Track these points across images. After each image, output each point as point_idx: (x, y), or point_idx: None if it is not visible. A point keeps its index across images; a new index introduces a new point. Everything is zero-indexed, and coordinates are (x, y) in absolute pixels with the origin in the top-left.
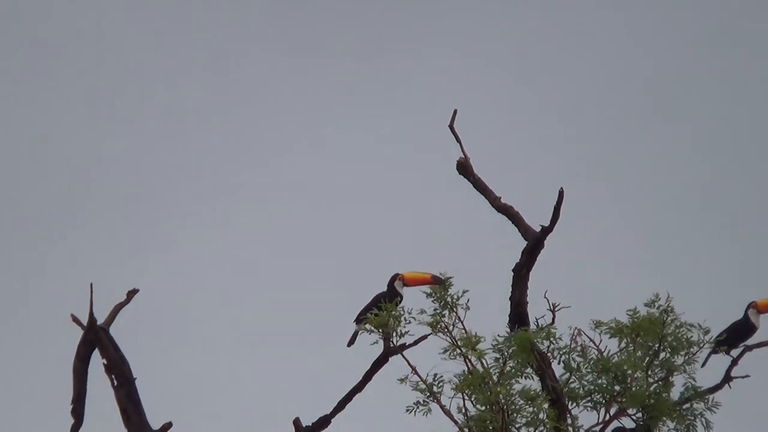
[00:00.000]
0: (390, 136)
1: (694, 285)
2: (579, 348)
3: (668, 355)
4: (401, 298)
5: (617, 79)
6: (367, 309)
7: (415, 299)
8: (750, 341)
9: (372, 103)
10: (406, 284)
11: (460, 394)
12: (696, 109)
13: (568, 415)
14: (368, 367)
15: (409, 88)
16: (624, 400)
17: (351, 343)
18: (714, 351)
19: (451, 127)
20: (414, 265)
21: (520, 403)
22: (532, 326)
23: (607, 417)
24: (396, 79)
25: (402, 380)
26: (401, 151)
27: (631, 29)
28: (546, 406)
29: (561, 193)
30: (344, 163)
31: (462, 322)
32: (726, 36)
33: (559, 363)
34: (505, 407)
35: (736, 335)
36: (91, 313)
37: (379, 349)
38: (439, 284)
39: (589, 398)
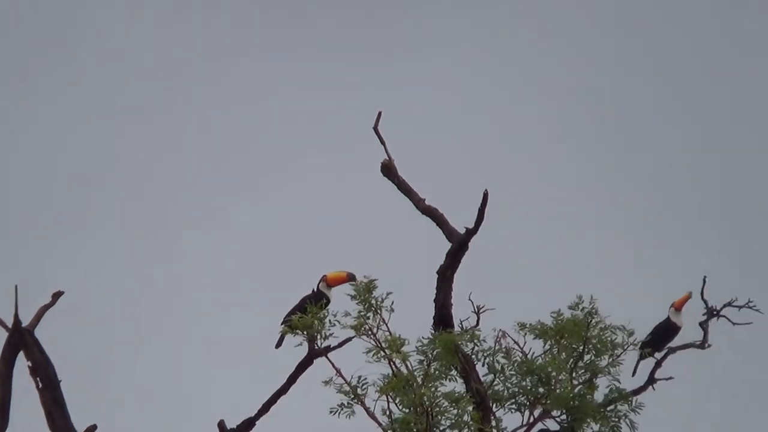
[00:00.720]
0: (314, 139)
1: (619, 287)
2: (503, 350)
3: (593, 357)
4: (328, 299)
5: (541, 79)
6: (294, 311)
7: (340, 302)
8: (675, 342)
9: (296, 105)
10: (329, 284)
11: (384, 397)
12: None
13: (493, 417)
14: (293, 370)
15: (335, 88)
16: (548, 401)
17: (278, 345)
18: (642, 357)
19: (375, 129)
20: (341, 267)
21: (444, 405)
22: (457, 328)
23: (532, 419)
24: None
25: (326, 382)
26: (327, 154)
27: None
28: (470, 408)
29: (485, 196)
30: (264, 166)
31: (386, 325)
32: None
33: (483, 365)
34: (429, 409)
35: (661, 336)
36: (16, 315)
37: (304, 351)
38: (352, 281)
39: (514, 400)
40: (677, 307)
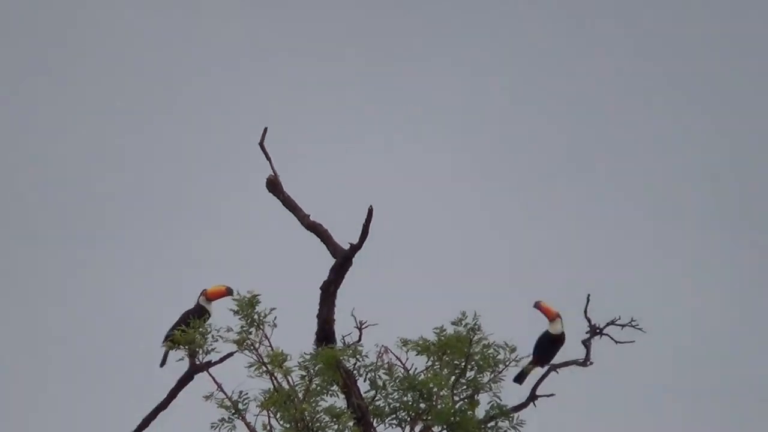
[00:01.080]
0: (205, 153)
1: (504, 302)
2: (385, 366)
3: (475, 373)
4: (209, 314)
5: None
6: (175, 326)
7: (223, 317)
8: (557, 359)
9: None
10: (209, 298)
11: (265, 412)
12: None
13: None
14: (173, 385)
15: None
16: (429, 417)
17: (163, 363)
18: (547, 373)
19: (261, 145)
20: (223, 281)
21: (325, 420)
22: (339, 344)
23: None
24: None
25: (207, 397)
26: (214, 168)
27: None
28: (351, 423)
29: (370, 212)
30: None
31: (269, 340)
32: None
33: (365, 380)
34: (310, 424)
35: (543, 348)
36: None
37: (185, 366)
38: (231, 295)
39: (395, 415)
40: (549, 318)
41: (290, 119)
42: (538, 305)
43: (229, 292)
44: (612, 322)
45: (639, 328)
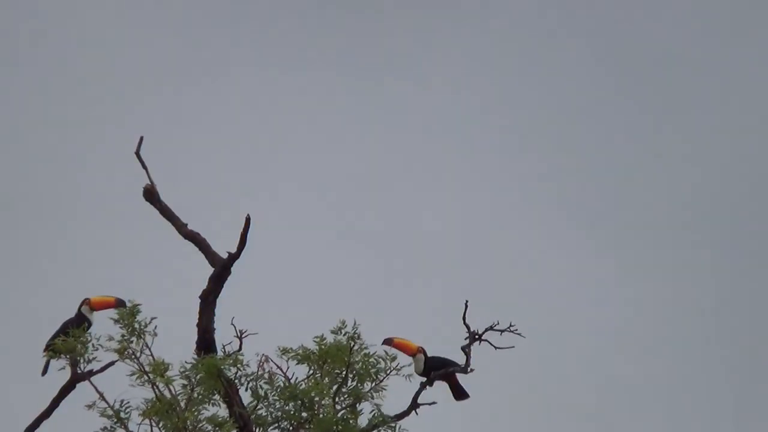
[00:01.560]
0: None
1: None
2: (267, 375)
3: (356, 382)
4: (90, 323)
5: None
6: (56, 335)
7: (104, 326)
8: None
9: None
10: (93, 308)
11: (147, 421)
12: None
13: None
14: (56, 393)
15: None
16: (311, 426)
17: (44, 372)
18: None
19: (137, 153)
20: (102, 292)
21: (208, 430)
22: (220, 353)
23: None
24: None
25: (90, 406)
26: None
27: None
28: None
29: (248, 220)
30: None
31: (150, 349)
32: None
33: (246, 390)
34: None
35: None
36: None
37: (68, 375)
38: (121, 307)
39: (277, 425)
40: (409, 354)
41: (167, 127)
42: (390, 342)
43: (119, 303)
44: (490, 328)
45: (518, 333)
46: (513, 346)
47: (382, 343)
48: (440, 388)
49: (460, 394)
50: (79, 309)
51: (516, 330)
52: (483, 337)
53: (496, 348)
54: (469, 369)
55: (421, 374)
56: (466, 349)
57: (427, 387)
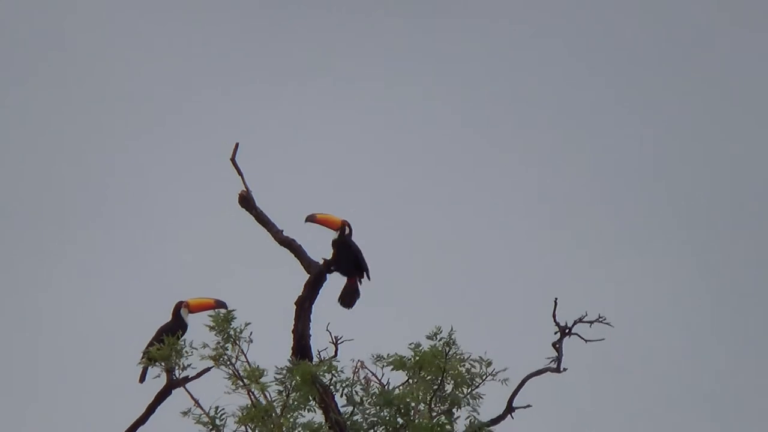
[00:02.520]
0: (173, 168)
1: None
2: (362, 381)
3: (452, 387)
4: (186, 326)
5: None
6: (152, 342)
7: (198, 332)
8: (532, 367)
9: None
10: (191, 311)
11: (243, 427)
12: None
13: None
14: (151, 400)
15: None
16: None
17: (142, 379)
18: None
19: (232, 160)
20: (198, 295)
21: None
22: (315, 359)
23: None
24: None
25: (185, 413)
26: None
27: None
28: None
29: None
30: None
31: (245, 355)
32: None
33: (341, 396)
34: None
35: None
36: None
37: (163, 381)
38: (223, 308)
39: (372, 431)
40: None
41: (262, 134)
42: (313, 218)
43: (219, 304)
44: (580, 320)
45: (607, 323)
46: (603, 339)
47: (305, 221)
48: (533, 392)
49: (350, 299)
50: (177, 312)
51: (605, 320)
52: (573, 331)
53: (586, 341)
54: (562, 369)
55: (336, 250)
56: (556, 346)
57: (331, 268)
